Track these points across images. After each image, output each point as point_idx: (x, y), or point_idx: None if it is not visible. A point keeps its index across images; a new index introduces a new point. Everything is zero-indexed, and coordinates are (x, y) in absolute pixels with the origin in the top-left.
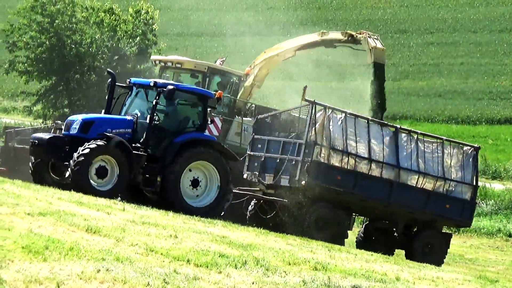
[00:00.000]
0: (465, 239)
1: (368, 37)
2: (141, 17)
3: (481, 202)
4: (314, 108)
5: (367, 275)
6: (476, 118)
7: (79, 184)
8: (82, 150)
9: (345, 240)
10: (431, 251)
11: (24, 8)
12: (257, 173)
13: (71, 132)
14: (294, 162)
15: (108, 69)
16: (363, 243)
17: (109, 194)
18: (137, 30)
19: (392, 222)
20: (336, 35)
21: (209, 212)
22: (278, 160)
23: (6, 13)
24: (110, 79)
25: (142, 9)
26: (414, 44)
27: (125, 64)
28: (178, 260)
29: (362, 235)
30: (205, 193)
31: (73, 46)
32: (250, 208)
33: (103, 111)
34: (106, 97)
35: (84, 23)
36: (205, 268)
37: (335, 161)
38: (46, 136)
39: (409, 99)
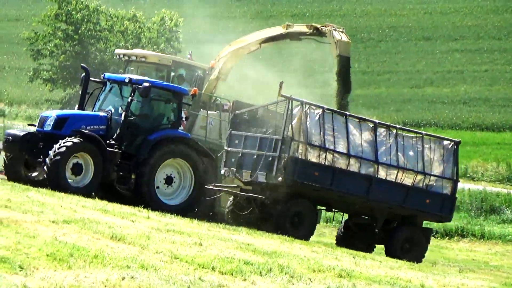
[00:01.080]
0: (490, 246)
1: (334, 30)
2: (166, 25)
3: (505, 209)
4: (290, 103)
5: (392, 282)
6: (501, 125)
7: (55, 181)
8: (58, 148)
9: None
10: (411, 246)
11: (48, 16)
12: (234, 169)
13: (45, 129)
14: (271, 158)
15: (82, 64)
16: (343, 239)
17: (84, 191)
18: (162, 37)
19: (372, 218)
20: (301, 27)
21: (183, 209)
22: (255, 156)
23: (30, 21)
24: (83, 74)
25: (166, 16)
26: (438, 51)
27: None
28: (203, 267)
29: (342, 231)
30: (179, 190)
31: (97, 53)
32: (228, 204)
33: (76, 106)
34: (80, 92)
35: (108, 31)
36: (230, 276)
37: (313, 157)
38: (20, 132)
39: (433, 106)
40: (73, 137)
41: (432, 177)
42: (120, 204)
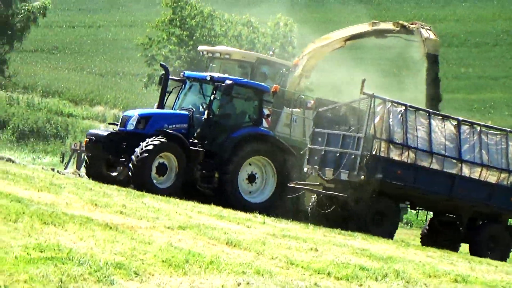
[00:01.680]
0: None
1: (421, 27)
2: (280, 30)
3: None
4: (373, 101)
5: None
6: None
7: (140, 181)
8: (145, 147)
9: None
10: (495, 245)
11: (162, 21)
12: (317, 167)
13: (127, 128)
14: (353, 156)
15: (161, 63)
16: (428, 238)
17: (168, 191)
18: (276, 43)
19: (456, 216)
20: (387, 25)
21: (266, 207)
22: (338, 154)
23: (144, 26)
24: (162, 73)
25: (281, 21)
26: None
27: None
28: (318, 273)
29: (427, 229)
30: (261, 188)
31: None
32: (311, 202)
33: (155, 104)
34: (159, 91)
35: (223, 36)
36: (345, 281)
37: (395, 155)
38: (103, 132)
39: None
40: (158, 137)
41: None
42: (209, 204)
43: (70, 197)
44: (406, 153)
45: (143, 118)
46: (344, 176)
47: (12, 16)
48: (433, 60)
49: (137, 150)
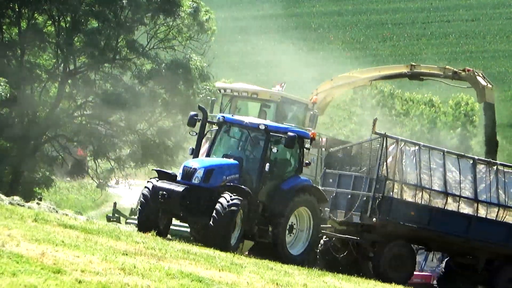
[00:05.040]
0: None
1: (477, 75)
2: (461, 109)
3: None
4: (385, 141)
5: None
6: None
7: (221, 240)
8: (229, 207)
9: None
10: None
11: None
12: (329, 209)
13: (194, 182)
14: (365, 198)
15: (200, 105)
16: (444, 280)
17: (234, 249)
18: (457, 122)
19: (473, 257)
20: (431, 69)
21: (305, 258)
22: (349, 196)
23: None
24: (193, 114)
25: (462, 100)
26: None
27: None
28: None
29: (443, 271)
30: (296, 238)
31: None
32: (320, 245)
33: (190, 147)
34: (192, 134)
35: (404, 115)
36: None
37: (408, 196)
38: (177, 187)
39: None
40: (233, 194)
41: None
42: (390, 284)
43: (251, 276)
44: (420, 193)
45: (208, 171)
46: (356, 218)
47: (193, 95)
48: (490, 109)
49: (218, 207)
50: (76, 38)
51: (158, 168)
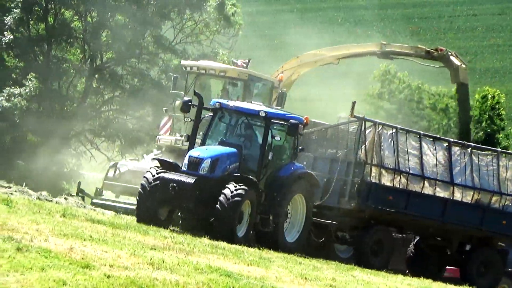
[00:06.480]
0: None
1: (450, 55)
2: (488, 102)
3: None
4: (363, 124)
5: None
6: None
7: (227, 231)
8: (233, 197)
9: None
10: (487, 269)
11: (370, 94)
12: None
13: (200, 172)
14: (342, 183)
15: (195, 91)
16: (413, 261)
17: (243, 240)
18: (484, 115)
19: (445, 240)
20: (402, 48)
21: (300, 245)
22: (325, 180)
23: None
24: (187, 100)
25: (488, 93)
26: None
27: None
28: None
29: (413, 252)
30: (289, 225)
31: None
32: None
33: (185, 134)
34: (188, 120)
35: (431, 109)
36: None
37: (386, 180)
38: (187, 179)
39: None
40: (239, 184)
41: (508, 197)
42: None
43: (280, 271)
44: (398, 178)
45: (214, 161)
46: (333, 202)
47: None
48: (464, 89)
49: (222, 198)
50: (103, 33)
51: (159, 157)
